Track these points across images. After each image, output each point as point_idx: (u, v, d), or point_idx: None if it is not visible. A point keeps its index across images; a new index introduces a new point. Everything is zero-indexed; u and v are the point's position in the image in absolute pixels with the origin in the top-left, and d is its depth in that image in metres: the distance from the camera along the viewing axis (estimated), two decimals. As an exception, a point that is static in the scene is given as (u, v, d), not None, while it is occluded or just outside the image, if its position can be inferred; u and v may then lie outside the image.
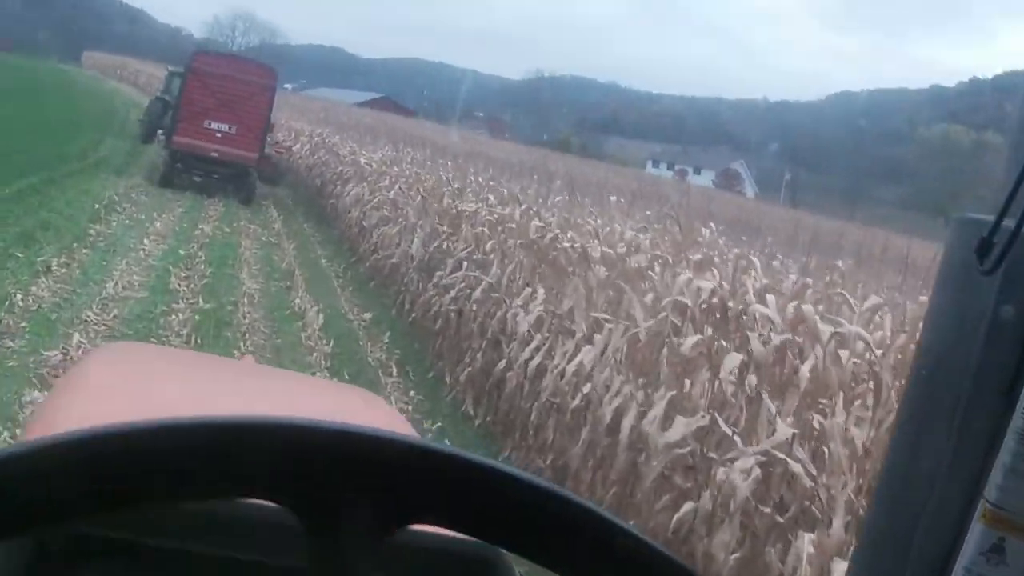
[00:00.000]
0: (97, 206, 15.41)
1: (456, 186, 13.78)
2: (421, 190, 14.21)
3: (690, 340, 5.20)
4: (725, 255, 7.86)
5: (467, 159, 20.67)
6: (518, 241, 9.34)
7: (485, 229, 10.64)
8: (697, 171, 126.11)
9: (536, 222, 9.25)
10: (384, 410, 2.45)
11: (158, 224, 15.69)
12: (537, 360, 7.48)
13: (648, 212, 9.38)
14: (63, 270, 10.98)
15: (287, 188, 26.68)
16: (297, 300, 12.26)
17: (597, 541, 0.57)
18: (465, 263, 10.60)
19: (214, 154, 20.44)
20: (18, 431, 6.14)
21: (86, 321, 9.28)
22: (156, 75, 49.12)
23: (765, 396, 4.97)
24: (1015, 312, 0.85)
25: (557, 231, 8.66)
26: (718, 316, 5.45)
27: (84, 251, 12.34)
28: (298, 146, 28.92)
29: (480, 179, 15.07)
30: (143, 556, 1.14)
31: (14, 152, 19.57)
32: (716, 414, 5.19)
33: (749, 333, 5.04)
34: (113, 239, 13.66)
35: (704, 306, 5.59)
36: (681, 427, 5.23)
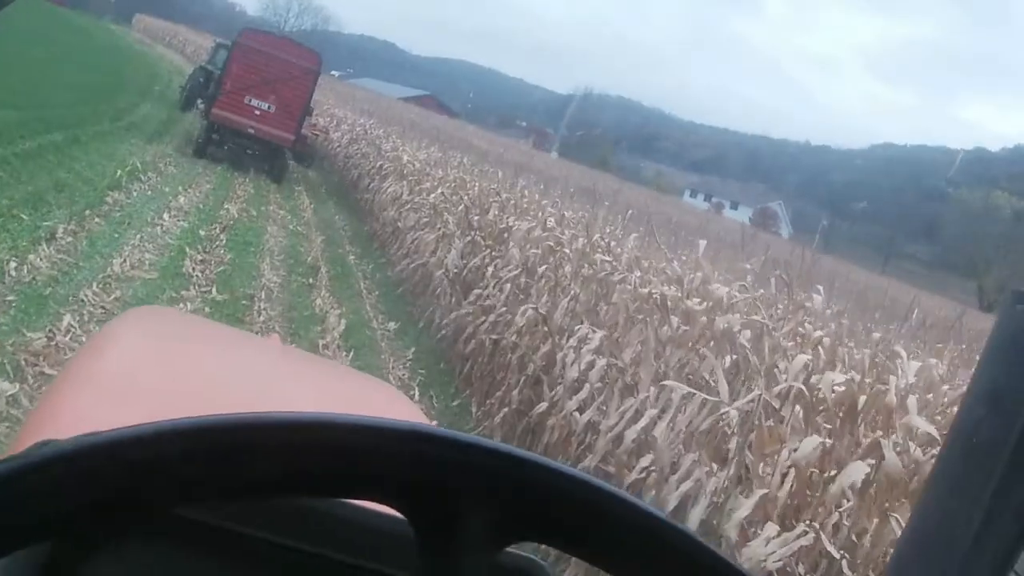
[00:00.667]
0: (120, 172, 14.43)
1: (505, 196, 12.74)
2: (466, 198, 13.18)
3: (809, 442, 4.09)
4: (841, 333, 6.70)
5: (517, 171, 19.70)
6: (579, 272, 8.25)
7: (538, 251, 9.57)
8: (734, 206, 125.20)
9: (603, 256, 8.14)
10: (408, 406, 2.35)
11: (182, 199, 14.72)
12: (588, 415, 6.41)
13: (748, 264, 8.15)
14: (68, 239, 9.98)
15: (321, 175, 25.75)
16: (319, 301, 11.24)
17: (696, 566, 0.56)
18: (509, 285, 9.56)
19: (251, 130, 20.47)
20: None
21: (82, 301, 8.27)
22: (203, 46, 48.47)
23: (895, 519, 3.90)
24: None
25: (628, 272, 7.55)
26: (842, 413, 4.36)
27: (96, 220, 11.35)
28: (338, 134, 27.99)
29: (529, 193, 14.01)
30: (229, 542, 1.02)
31: (46, 106, 18.72)
32: (822, 532, 4.12)
33: (883, 440, 3.96)
34: (131, 210, 12.68)
35: (821, 396, 4.52)
36: (776, 542, 4.15)
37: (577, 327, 7.32)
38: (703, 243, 8.11)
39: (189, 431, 0.49)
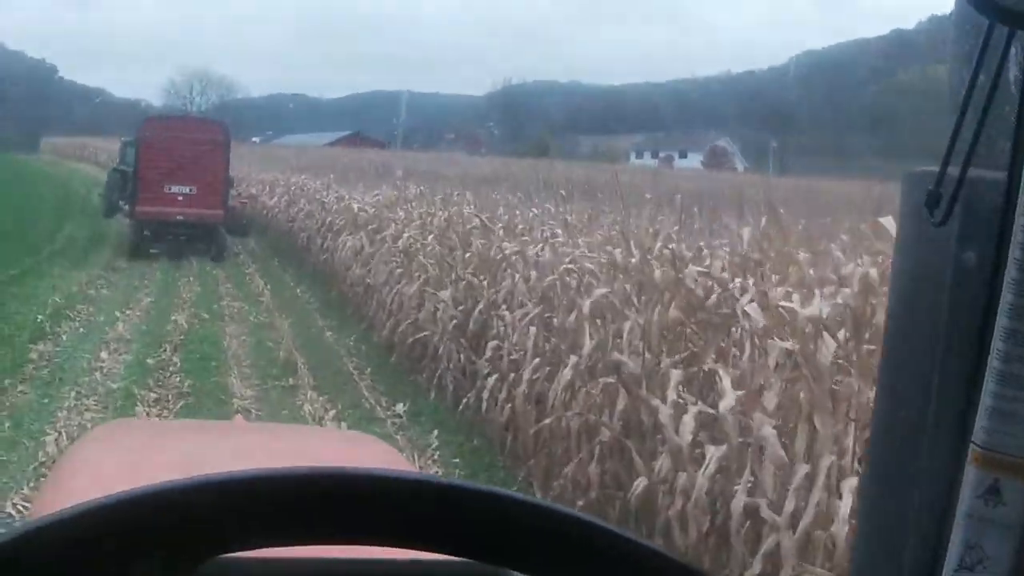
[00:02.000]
0: (41, 316, 12.41)
1: (486, 216, 10.81)
2: (433, 233, 11.29)
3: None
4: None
5: (476, 183, 17.81)
6: (660, 300, 6.15)
7: (557, 280, 7.61)
8: (683, 154, 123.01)
9: (694, 268, 5.98)
10: (387, 454, 2.35)
11: (120, 326, 12.71)
12: (740, 498, 4.48)
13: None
14: (-16, 428, 7.98)
15: (268, 247, 23.72)
16: (307, 406, 9.28)
17: (586, 548, 0.56)
18: (534, 328, 7.61)
19: (179, 217, 20.13)
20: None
21: (11, 514, 6.28)
22: (115, 150, 46.11)
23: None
24: (976, 257, 0.86)
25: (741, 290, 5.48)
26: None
27: (19, 390, 9.33)
28: (274, 199, 25.94)
29: (509, 209, 12.10)
30: None
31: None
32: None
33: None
34: (61, 360, 10.66)
35: None
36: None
37: (672, 372, 5.35)
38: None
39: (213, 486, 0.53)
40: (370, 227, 14.39)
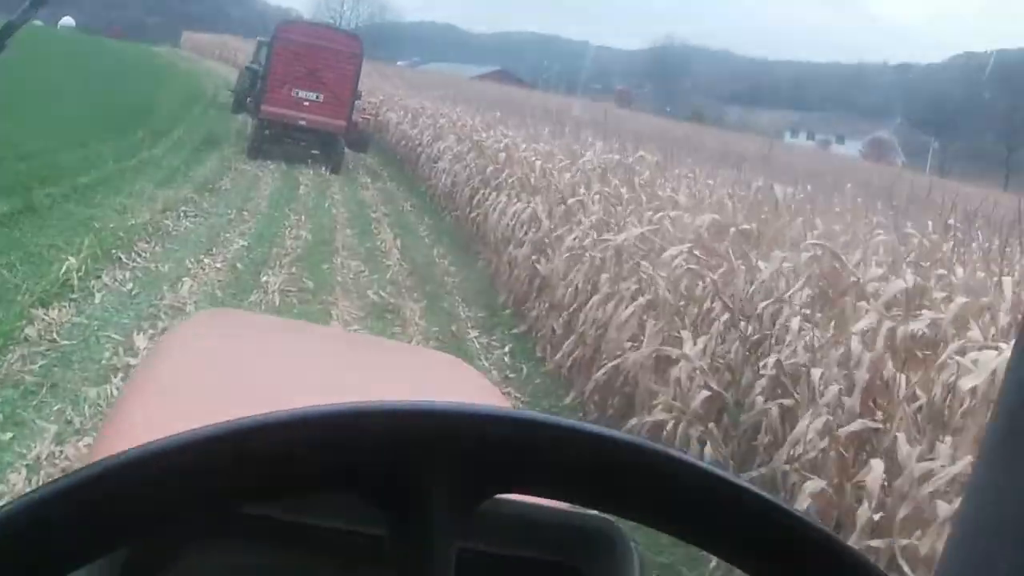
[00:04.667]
0: (76, 261, 8.57)
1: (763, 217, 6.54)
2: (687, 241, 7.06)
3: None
4: None
5: (668, 145, 13.43)
6: None
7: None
8: (840, 140, 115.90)
9: None
10: (476, 380, 2.23)
11: (186, 287, 8.85)
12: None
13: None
14: None
15: (403, 187, 19.81)
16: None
17: (687, 489, 0.53)
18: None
19: (302, 122, 20.09)
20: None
21: None
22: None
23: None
24: None
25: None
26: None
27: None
28: (416, 130, 22.01)
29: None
30: (295, 534, 1.04)
31: (25, 156, 13.26)
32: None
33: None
34: (71, 346, 6.83)
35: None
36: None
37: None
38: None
39: (170, 450, 0.47)
40: (551, 195, 10.15)
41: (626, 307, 6.94)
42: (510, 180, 11.87)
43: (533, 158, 11.56)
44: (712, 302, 5.90)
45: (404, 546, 0.51)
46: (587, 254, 8.27)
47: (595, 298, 7.55)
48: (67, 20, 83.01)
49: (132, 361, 6.60)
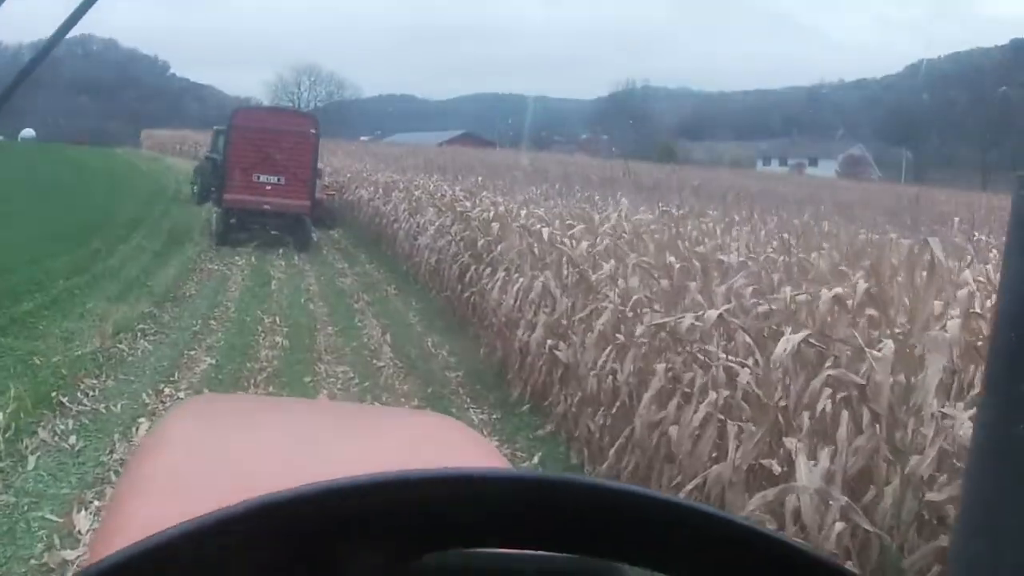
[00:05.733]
0: (5, 415, 7.07)
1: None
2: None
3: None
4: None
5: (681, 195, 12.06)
6: None
7: None
8: (814, 162, 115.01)
9: None
10: (472, 438, 2.22)
11: (141, 428, 7.35)
12: None
13: None
14: None
15: (383, 269, 18.34)
16: None
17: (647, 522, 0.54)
18: None
19: (267, 207, 19.97)
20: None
21: None
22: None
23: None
24: None
25: None
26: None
27: None
28: (389, 206, 20.60)
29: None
30: None
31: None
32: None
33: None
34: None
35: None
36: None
37: None
38: None
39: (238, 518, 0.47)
40: (565, 265, 8.66)
41: (695, 408, 5.46)
42: (509, 253, 10.41)
43: (536, 225, 10.09)
44: (835, 401, 4.42)
45: None
46: (621, 335, 6.79)
47: (647, 394, 6.07)
48: (28, 132, 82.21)
49: (70, 555, 5.08)
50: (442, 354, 11.18)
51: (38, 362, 8.81)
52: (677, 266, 6.31)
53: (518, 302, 9.55)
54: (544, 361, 8.65)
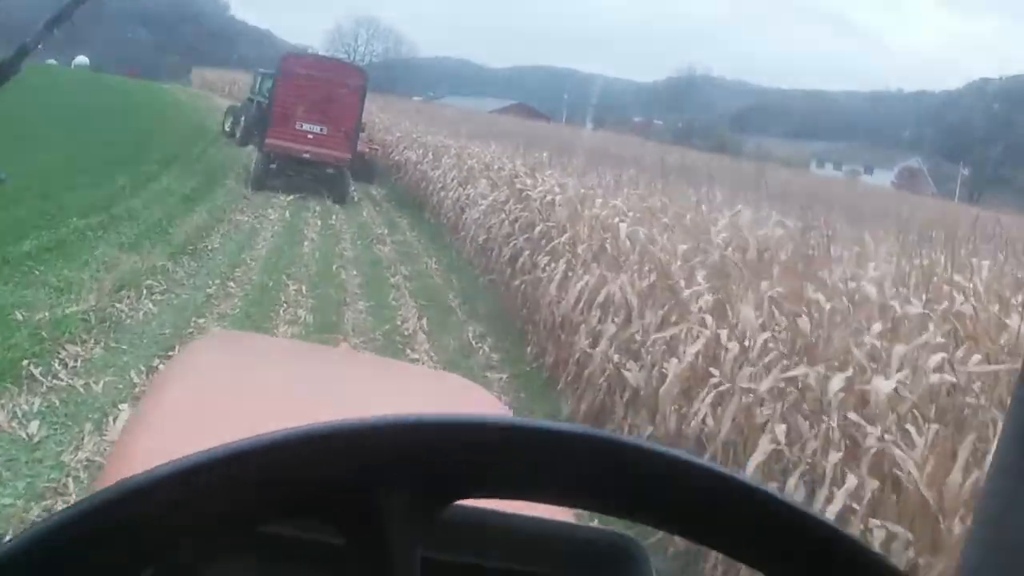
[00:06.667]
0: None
1: None
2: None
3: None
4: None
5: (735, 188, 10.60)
6: None
7: None
8: (869, 170, 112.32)
9: None
10: (482, 396, 2.21)
11: (121, 416, 6.06)
12: None
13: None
14: None
15: (427, 240, 17.00)
16: None
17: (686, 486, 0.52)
18: None
19: (307, 155, 19.79)
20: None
21: None
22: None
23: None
24: None
25: None
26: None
27: None
28: (438, 172, 19.25)
29: None
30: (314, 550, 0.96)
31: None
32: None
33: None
34: None
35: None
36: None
37: None
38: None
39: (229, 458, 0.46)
40: (649, 272, 7.24)
41: (828, 493, 4.08)
42: (575, 245, 9.01)
43: (614, 218, 8.65)
44: None
45: (361, 562, 0.49)
46: (719, 375, 5.38)
47: (753, 459, 4.67)
48: (81, 59, 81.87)
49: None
50: (484, 349, 9.82)
51: (19, 318, 7.54)
52: (828, 306, 4.84)
53: (580, 303, 8.16)
54: (606, 378, 7.28)
